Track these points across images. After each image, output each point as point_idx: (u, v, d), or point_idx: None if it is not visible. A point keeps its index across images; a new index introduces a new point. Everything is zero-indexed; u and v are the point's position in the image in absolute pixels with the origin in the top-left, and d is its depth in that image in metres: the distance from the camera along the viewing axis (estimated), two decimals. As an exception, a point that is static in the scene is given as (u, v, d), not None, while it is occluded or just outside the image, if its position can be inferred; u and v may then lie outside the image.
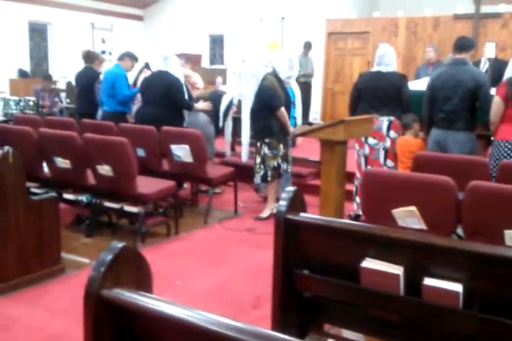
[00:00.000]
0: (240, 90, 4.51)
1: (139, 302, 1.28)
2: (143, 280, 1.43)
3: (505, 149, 3.62)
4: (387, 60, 4.19)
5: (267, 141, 4.40)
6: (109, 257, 1.32)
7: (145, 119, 4.70)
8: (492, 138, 3.89)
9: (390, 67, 4.20)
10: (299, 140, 5.01)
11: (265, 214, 4.52)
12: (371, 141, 4.15)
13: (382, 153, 4.18)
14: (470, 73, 3.93)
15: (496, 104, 3.67)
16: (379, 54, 4.24)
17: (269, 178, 4.47)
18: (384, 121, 4.13)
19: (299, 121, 5.03)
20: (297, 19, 9.80)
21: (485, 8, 8.08)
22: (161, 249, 3.76)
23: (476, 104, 3.93)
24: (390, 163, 4.19)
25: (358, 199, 4.27)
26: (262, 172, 4.45)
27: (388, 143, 4.17)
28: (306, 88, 8.58)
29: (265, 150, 4.42)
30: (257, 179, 4.53)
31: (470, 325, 1.63)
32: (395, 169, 4.17)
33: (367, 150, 4.20)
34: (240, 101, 4.56)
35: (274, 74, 4.54)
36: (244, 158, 4.64)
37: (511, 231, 2.26)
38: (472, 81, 3.86)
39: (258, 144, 4.45)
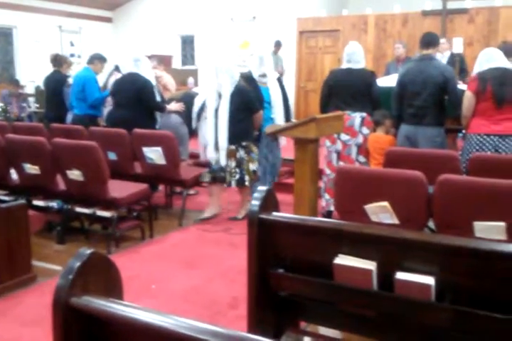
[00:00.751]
0: (218, 87, 4.28)
1: (109, 309, 1.25)
2: (113, 287, 1.40)
3: (478, 142, 3.68)
4: (357, 57, 4.24)
5: (244, 144, 4.29)
6: (77, 264, 1.30)
7: (116, 122, 4.65)
8: (463, 132, 3.95)
9: (359, 64, 4.25)
10: (283, 141, 4.75)
11: (241, 215, 4.47)
12: (344, 136, 4.18)
13: (354, 149, 4.21)
14: (438, 68, 3.99)
15: (468, 98, 3.73)
16: (348, 51, 4.27)
17: (246, 183, 4.36)
18: (356, 117, 4.16)
19: (280, 121, 4.74)
20: (268, 18, 9.81)
21: (452, 4, 8.22)
22: (136, 253, 3.71)
23: (445, 99, 3.99)
24: (362, 158, 4.23)
25: (326, 195, 4.29)
26: (237, 176, 4.31)
27: (361, 139, 4.20)
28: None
29: (241, 153, 4.29)
30: (233, 184, 4.35)
31: (443, 317, 1.65)
32: (366, 165, 4.21)
33: (339, 146, 4.22)
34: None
35: (248, 74, 4.52)
36: (224, 161, 4.30)
37: (480, 223, 2.30)
38: (440, 76, 3.92)
39: (233, 147, 4.28)
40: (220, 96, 4.23)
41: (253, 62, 4.60)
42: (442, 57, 6.35)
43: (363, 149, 4.23)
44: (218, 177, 4.34)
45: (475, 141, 3.69)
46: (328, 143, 4.28)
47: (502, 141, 3.62)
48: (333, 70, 4.52)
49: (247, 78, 4.50)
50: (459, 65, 6.11)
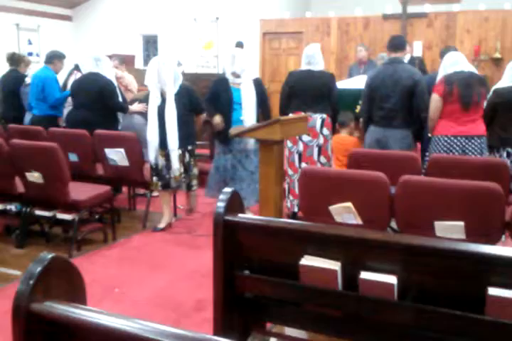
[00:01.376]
0: (162, 85, 3.98)
1: (72, 314, 1.22)
2: (75, 292, 1.37)
3: (445, 144, 3.78)
4: (317, 59, 4.28)
5: (190, 147, 4.15)
6: (39, 269, 1.26)
7: (77, 123, 4.55)
8: (429, 134, 4.04)
9: (318, 66, 4.29)
10: (251, 144, 4.40)
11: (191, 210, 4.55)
12: (305, 138, 4.21)
13: (316, 150, 4.25)
14: (407, 71, 4.05)
15: (435, 101, 3.81)
16: (308, 53, 4.31)
17: (194, 187, 4.31)
18: (317, 119, 4.21)
19: (250, 123, 4.43)
20: (232, 19, 9.81)
21: (412, 8, 8.42)
22: (99, 256, 3.64)
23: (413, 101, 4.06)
24: (323, 159, 4.28)
25: (290, 196, 4.32)
26: (185, 181, 4.20)
27: (321, 140, 4.25)
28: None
29: (187, 157, 4.15)
30: (183, 187, 4.25)
31: (406, 315, 1.68)
32: (327, 165, 4.26)
33: (301, 147, 4.26)
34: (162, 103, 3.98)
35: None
36: (177, 165, 4.07)
37: (441, 223, 2.36)
38: (409, 79, 3.98)
39: (179, 152, 4.07)
40: (162, 95, 4.01)
41: (225, 61, 4.46)
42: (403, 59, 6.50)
43: (323, 150, 4.28)
44: (173, 184, 4.16)
45: (443, 143, 3.78)
46: (289, 144, 4.30)
47: (469, 142, 3.73)
48: (293, 72, 4.55)
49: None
50: (419, 67, 6.26)
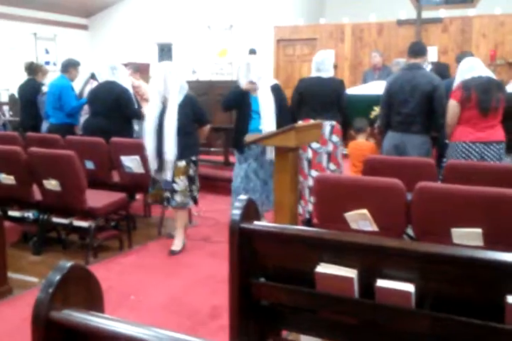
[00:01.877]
0: (165, 93, 3.77)
1: (90, 322, 1.23)
2: (93, 299, 1.38)
3: (463, 150, 3.74)
4: (326, 65, 4.29)
5: (193, 159, 3.91)
6: (58, 277, 1.28)
7: (93, 131, 4.60)
8: (447, 141, 4.01)
9: (328, 73, 4.29)
10: (270, 153, 4.12)
11: (177, 246, 3.96)
12: (314, 145, 4.20)
13: (325, 157, 4.24)
14: (426, 77, 4.03)
15: (452, 106, 3.78)
16: (318, 60, 4.31)
17: (197, 201, 4.06)
18: (326, 126, 4.19)
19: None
20: (246, 27, 9.86)
21: (426, 14, 8.39)
22: (115, 264, 3.67)
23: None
24: (332, 166, 4.26)
25: (302, 202, 4.31)
26: (193, 194, 3.95)
27: (331, 147, 4.23)
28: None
29: (192, 170, 3.91)
30: (190, 203, 3.97)
31: (423, 324, 1.66)
32: (337, 172, 4.24)
33: (310, 154, 4.25)
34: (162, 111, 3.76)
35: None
36: (170, 176, 3.82)
37: (458, 230, 2.33)
38: (428, 84, 3.96)
39: (183, 163, 3.83)
40: (164, 104, 3.79)
41: (240, 70, 4.30)
42: (426, 65, 6.46)
43: (333, 157, 4.26)
44: (179, 199, 3.87)
45: (461, 149, 3.75)
46: (299, 151, 4.29)
47: (487, 148, 3.69)
48: (303, 79, 4.56)
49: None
50: (438, 72, 6.20)
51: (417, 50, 4.14)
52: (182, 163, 3.82)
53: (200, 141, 4.17)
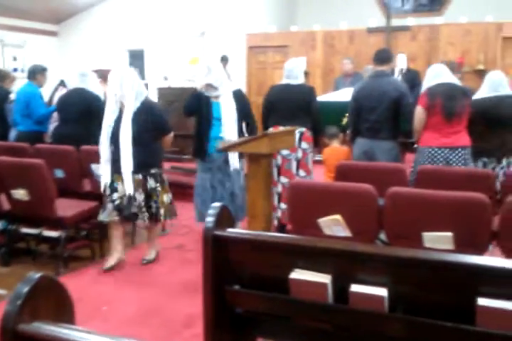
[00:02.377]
0: (121, 98, 3.50)
1: (60, 335, 1.21)
2: (64, 311, 1.36)
3: (429, 155, 3.81)
4: (295, 72, 4.31)
5: (153, 171, 3.61)
6: (26, 289, 1.25)
7: (63, 138, 4.52)
8: (416, 145, 4.08)
9: (297, 80, 4.31)
10: (235, 162, 4.09)
11: (151, 255, 3.84)
12: (284, 151, 4.21)
13: (294, 164, 4.26)
14: (393, 84, 4.13)
15: (419, 112, 3.86)
16: (287, 67, 4.35)
17: (161, 217, 3.70)
18: (295, 133, 4.21)
19: (232, 139, 3.99)
20: (218, 34, 9.87)
21: (395, 21, 8.56)
22: (86, 274, 3.60)
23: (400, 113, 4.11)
24: (302, 172, 4.27)
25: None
26: (151, 210, 3.62)
27: (300, 154, 4.24)
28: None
29: (151, 183, 3.61)
30: (145, 219, 3.63)
31: (397, 327, 1.68)
32: (307, 178, 4.26)
33: (279, 160, 4.26)
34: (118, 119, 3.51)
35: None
36: (131, 190, 3.54)
37: (429, 234, 2.37)
38: (395, 91, 4.04)
39: (140, 177, 3.57)
40: (121, 110, 3.55)
41: (200, 73, 4.18)
42: (398, 72, 6.58)
43: (303, 163, 4.27)
44: (128, 214, 3.57)
45: (427, 154, 3.82)
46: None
47: (452, 153, 3.77)
48: (273, 86, 4.59)
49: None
50: (408, 79, 6.33)
51: (383, 57, 4.22)
52: (138, 177, 3.55)
53: (163, 150, 3.91)
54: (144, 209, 3.59)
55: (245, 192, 3.94)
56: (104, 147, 3.58)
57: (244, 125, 4.24)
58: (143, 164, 3.54)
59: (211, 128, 4.07)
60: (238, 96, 4.13)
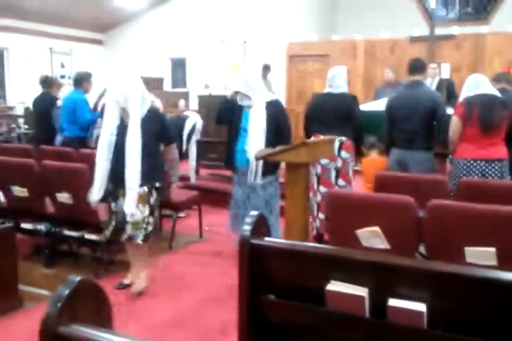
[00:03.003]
0: (124, 104, 3.17)
1: (98, 338, 1.23)
2: (102, 314, 1.38)
3: (464, 167, 3.72)
4: (338, 81, 4.28)
5: (157, 185, 3.31)
6: (67, 292, 1.28)
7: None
8: (450, 156, 4.00)
9: (340, 89, 4.28)
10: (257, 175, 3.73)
11: (140, 285, 3.38)
12: (323, 161, 4.18)
13: (333, 173, 4.22)
14: (427, 94, 4.07)
15: (455, 123, 3.78)
16: (329, 76, 4.33)
17: (153, 233, 3.41)
18: (335, 142, 4.18)
19: (251, 155, 3.66)
20: (259, 42, 9.95)
21: (439, 31, 8.41)
22: (125, 278, 3.65)
23: (434, 124, 4.04)
24: (341, 182, 4.23)
25: (310, 218, 4.28)
26: (150, 227, 3.29)
27: (340, 163, 4.21)
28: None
29: (155, 197, 3.30)
30: (140, 238, 3.25)
31: (436, 345, 1.63)
32: (347, 188, 4.21)
33: (319, 169, 4.23)
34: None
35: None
36: (131, 209, 3.16)
37: (471, 249, 2.30)
38: (430, 101, 3.98)
39: (145, 189, 3.22)
40: (123, 119, 3.21)
41: (234, 81, 3.89)
42: (432, 82, 6.47)
43: (343, 172, 4.23)
44: (130, 231, 3.25)
45: (462, 166, 3.73)
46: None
47: (488, 166, 3.67)
48: (315, 95, 4.59)
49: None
50: (448, 90, 6.22)
51: (417, 66, 4.16)
52: (143, 190, 3.21)
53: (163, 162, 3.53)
54: (144, 226, 3.25)
55: (274, 210, 3.78)
56: (102, 158, 3.19)
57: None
58: (148, 176, 3.20)
59: (238, 139, 3.83)
60: (273, 107, 3.79)
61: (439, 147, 4.27)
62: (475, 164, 3.68)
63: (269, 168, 3.70)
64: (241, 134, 3.81)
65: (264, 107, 3.73)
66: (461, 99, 3.91)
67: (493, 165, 3.66)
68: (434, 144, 4.12)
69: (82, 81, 5.44)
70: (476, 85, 3.81)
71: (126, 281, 3.46)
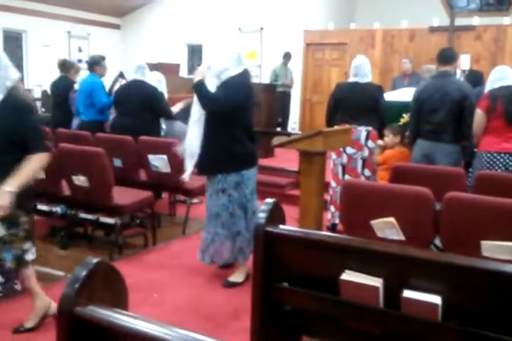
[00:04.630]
0: None
1: (114, 320, 1.24)
2: (118, 296, 1.39)
3: (488, 160, 3.66)
4: (363, 70, 4.24)
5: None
6: (84, 273, 1.29)
7: (122, 129, 4.64)
8: (475, 150, 3.93)
9: (366, 78, 4.25)
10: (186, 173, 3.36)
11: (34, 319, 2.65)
12: (349, 150, 4.17)
13: (360, 163, 4.21)
14: (456, 85, 3.96)
15: (478, 116, 3.71)
16: (355, 65, 4.28)
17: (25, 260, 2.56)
18: (362, 131, 4.16)
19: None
20: (276, 30, 9.86)
21: (459, 21, 8.26)
22: (138, 261, 3.69)
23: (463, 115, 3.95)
24: (367, 172, 4.22)
25: (332, 208, 4.29)
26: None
27: (366, 153, 4.19)
28: (284, 98, 8.62)
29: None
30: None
31: (450, 337, 1.63)
32: (372, 178, 4.20)
33: (345, 159, 4.22)
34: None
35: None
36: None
37: (488, 243, 2.28)
38: (458, 92, 3.88)
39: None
40: None
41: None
42: (460, 73, 6.34)
43: (368, 163, 4.22)
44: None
45: (485, 159, 3.66)
46: (333, 155, 4.27)
47: None
48: (340, 84, 4.53)
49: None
50: (470, 80, 6.09)
51: (447, 57, 4.05)
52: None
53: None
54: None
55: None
56: None
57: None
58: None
59: None
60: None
61: (465, 140, 4.18)
62: (498, 157, 3.62)
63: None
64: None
65: None
66: (485, 91, 3.84)
67: None
68: (461, 137, 4.01)
69: (94, 65, 5.45)
70: (501, 77, 3.73)
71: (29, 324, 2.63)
